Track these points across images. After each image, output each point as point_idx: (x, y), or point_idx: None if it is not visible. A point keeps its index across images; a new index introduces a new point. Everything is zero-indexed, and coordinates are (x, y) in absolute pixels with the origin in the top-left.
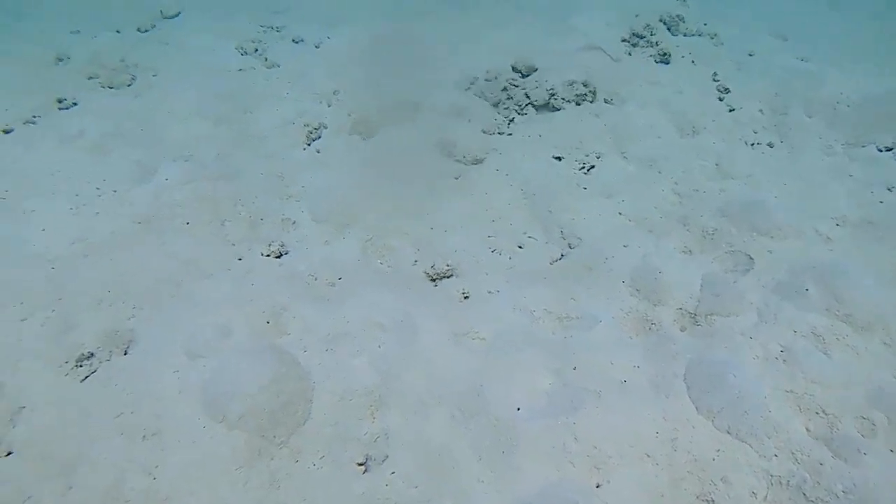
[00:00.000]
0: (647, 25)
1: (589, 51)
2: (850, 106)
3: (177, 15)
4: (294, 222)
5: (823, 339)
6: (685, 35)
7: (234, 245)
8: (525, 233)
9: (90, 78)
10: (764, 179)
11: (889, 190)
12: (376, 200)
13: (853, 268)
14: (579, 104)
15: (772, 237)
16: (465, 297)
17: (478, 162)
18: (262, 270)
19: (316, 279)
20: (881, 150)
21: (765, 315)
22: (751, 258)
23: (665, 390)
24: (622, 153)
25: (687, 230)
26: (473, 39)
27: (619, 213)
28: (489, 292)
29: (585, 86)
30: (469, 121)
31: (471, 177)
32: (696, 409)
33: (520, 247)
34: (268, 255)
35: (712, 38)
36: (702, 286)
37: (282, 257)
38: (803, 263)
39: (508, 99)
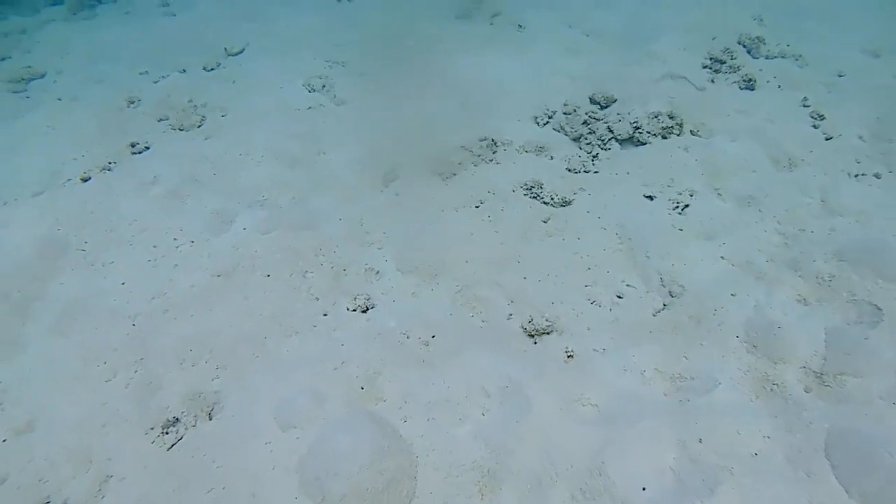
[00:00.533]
0: (727, 49)
1: (670, 79)
2: None
3: (241, 51)
4: (378, 272)
5: None
6: (767, 58)
7: (317, 299)
8: (623, 281)
9: (160, 120)
10: (877, 215)
11: None
12: (464, 247)
13: None
14: (666, 137)
15: None
16: (570, 357)
17: (566, 203)
18: (350, 327)
19: (408, 337)
20: None
21: None
22: (878, 308)
23: (805, 467)
24: (716, 190)
25: (799, 276)
26: (548, 70)
27: (721, 258)
28: (594, 350)
29: (671, 117)
30: (552, 158)
31: (561, 219)
32: (847, 492)
33: (619, 297)
34: (354, 310)
35: (796, 60)
36: (826, 341)
37: (368, 312)
38: None
39: (591, 133)
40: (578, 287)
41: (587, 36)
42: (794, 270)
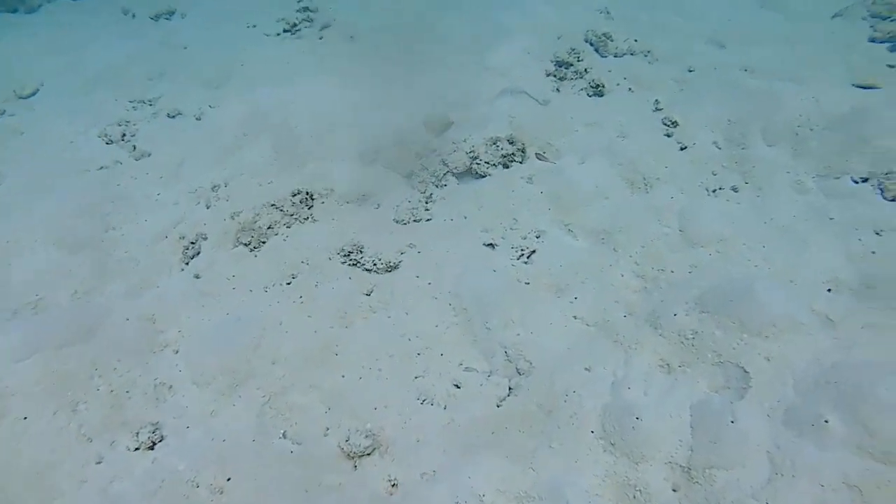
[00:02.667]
0: (573, 49)
1: (510, 95)
2: (814, 129)
3: (34, 93)
4: (170, 387)
5: (861, 493)
6: (616, 56)
7: (90, 440)
8: (461, 364)
9: None
10: (737, 243)
11: (878, 234)
12: (272, 340)
13: (872, 371)
14: (507, 167)
15: (766, 337)
16: (393, 486)
17: (392, 268)
18: (131, 475)
19: (198, 486)
20: (856, 182)
21: (779, 464)
22: (745, 371)
23: None
24: (567, 226)
25: (660, 335)
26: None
27: (575, 317)
28: (423, 475)
29: (511, 143)
30: (377, 206)
31: (385, 290)
32: None
33: (456, 386)
34: (137, 448)
35: (646, 56)
36: (692, 426)
37: (155, 447)
38: (812, 374)
39: (423, 170)
40: (407, 381)
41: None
42: (655, 328)
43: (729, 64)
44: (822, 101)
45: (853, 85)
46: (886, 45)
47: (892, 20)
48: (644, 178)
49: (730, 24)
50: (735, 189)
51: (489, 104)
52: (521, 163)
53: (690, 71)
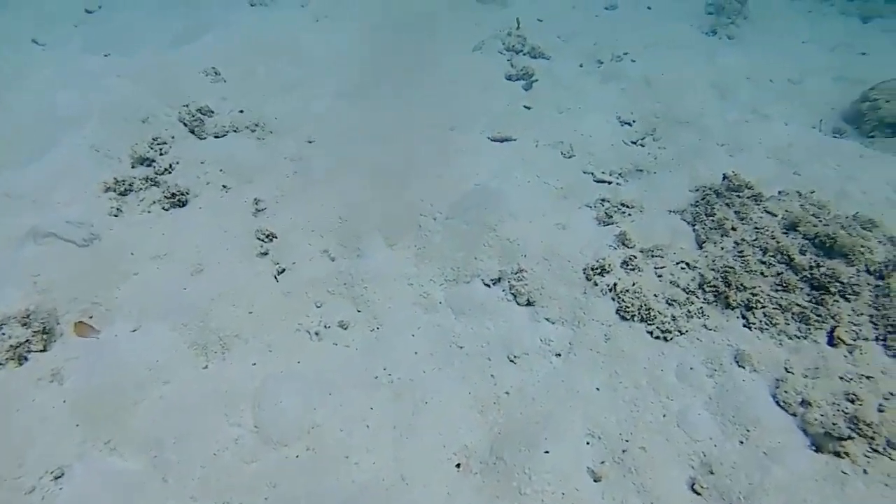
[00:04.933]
0: (156, 139)
1: (36, 243)
2: (437, 218)
3: None
4: None
5: None
6: (217, 136)
7: None
8: None
9: None
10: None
11: (512, 361)
12: None
13: None
14: (21, 362)
15: None
16: None
17: None
18: None
19: None
20: (488, 285)
21: None
22: None
23: None
24: (108, 445)
25: None
26: None
27: None
28: None
29: (25, 324)
30: None
31: None
32: None
33: None
34: None
35: (254, 131)
36: None
37: None
38: None
39: None
40: None
41: None
42: None
43: (355, 127)
44: (447, 178)
45: (489, 138)
46: (521, 83)
47: (524, 53)
48: (221, 340)
49: (349, 86)
50: (343, 326)
51: (10, 255)
52: (43, 350)
53: (310, 142)
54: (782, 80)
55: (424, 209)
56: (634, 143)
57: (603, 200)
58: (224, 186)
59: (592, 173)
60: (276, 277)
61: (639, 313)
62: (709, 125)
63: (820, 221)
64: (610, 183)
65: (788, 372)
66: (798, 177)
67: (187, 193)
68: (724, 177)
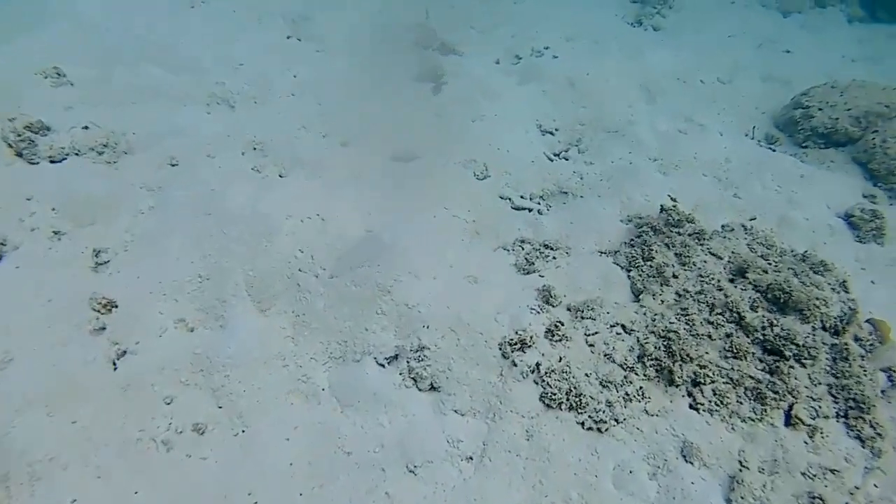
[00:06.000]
0: None
1: None
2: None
3: None
4: None
5: None
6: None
7: None
8: None
9: None
10: None
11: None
12: None
13: None
14: None
15: None
16: None
17: None
18: None
19: None
20: (382, 365)
21: None
22: None
23: None
24: None
25: None
26: None
27: None
28: None
29: None
30: None
31: None
32: None
33: None
34: None
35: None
36: None
37: None
38: None
39: None
40: None
41: None
42: None
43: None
44: (330, 220)
45: (390, 158)
46: (429, 85)
47: (433, 49)
48: (29, 471)
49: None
50: (200, 430)
51: None
52: None
53: (174, 165)
54: (712, 79)
55: (304, 263)
56: (557, 155)
57: (522, 242)
58: (56, 233)
59: (510, 199)
60: (114, 364)
61: (567, 400)
62: (639, 135)
63: (770, 266)
64: (530, 210)
65: (744, 467)
66: (739, 200)
67: (3, 245)
68: (662, 208)
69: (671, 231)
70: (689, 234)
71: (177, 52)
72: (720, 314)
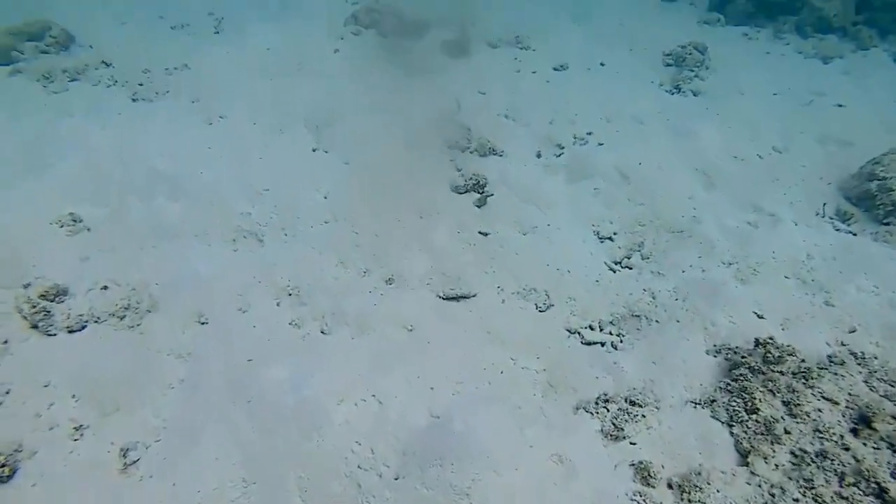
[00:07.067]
0: None
1: None
2: None
3: None
4: None
5: None
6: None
7: None
8: None
9: None
10: None
11: None
12: None
13: None
14: None
15: None
16: None
17: None
18: None
19: None
20: None
21: None
22: None
23: None
24: None
25: None
26: None
27: None
28: None
29: None
30: None
31: None
32: None
33: None
34: None
35: None
36: None
37: None
38: None
39: None
40: None
41: None
42: None
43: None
44: (386, 394)
45: (440, 297)
46: (472, 196)
47: (470, 151)
48: None
49: None
50: None
51: None
52: None
53: (203, 323)
54: (767, 150)
55: (363, 459)
56: (619, 263)
57: (606, 402)
58: (77, 429)
59: (579, 332)
60: None
61: None
62: (707, 234)
63: None
64: (604, 344)
65: None
66: (833, 308)
67: (18, 453)
68: (758, 343)
69: (772, 371)
70: (794, 374)
71: (198, 179)
72: (854, 485)
